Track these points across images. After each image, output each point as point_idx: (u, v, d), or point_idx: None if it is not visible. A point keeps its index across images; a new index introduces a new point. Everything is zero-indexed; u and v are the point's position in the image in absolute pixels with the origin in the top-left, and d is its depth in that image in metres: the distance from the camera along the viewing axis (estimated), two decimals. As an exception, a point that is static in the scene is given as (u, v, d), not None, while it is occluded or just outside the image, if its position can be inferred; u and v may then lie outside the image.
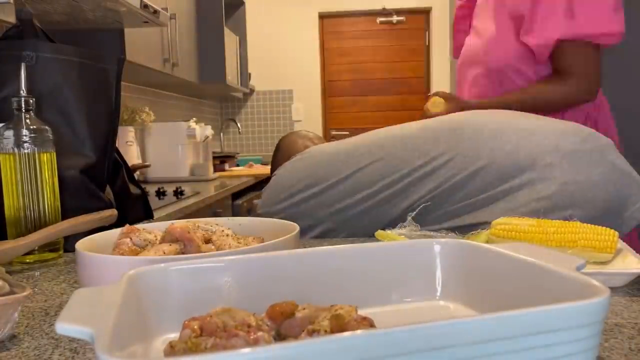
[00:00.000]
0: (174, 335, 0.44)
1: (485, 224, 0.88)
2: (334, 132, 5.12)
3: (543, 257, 0.48)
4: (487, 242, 0.73)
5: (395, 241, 0.57)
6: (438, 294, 0.55)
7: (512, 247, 0.52)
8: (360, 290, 0.52)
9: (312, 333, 0.41)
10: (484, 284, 0.51)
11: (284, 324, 0.44)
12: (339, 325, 0.42)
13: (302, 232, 1.01)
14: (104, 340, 0.33)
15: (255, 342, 0.39)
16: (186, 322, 0.42)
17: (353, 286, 0.52)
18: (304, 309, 0.45)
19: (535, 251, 0.50)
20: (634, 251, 0.70)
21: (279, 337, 0.43)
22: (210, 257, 0.52)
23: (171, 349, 0.39)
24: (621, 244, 0.73)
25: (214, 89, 4.04)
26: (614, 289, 0.63)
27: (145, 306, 0.46)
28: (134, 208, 1.24)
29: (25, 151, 0.89)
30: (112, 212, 0.94)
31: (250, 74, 4.64)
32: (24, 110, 0.89)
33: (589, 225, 0.72)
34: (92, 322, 0.35)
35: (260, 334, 0.40)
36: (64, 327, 0.35)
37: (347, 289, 0.52)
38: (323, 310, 0.45)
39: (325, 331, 0.41)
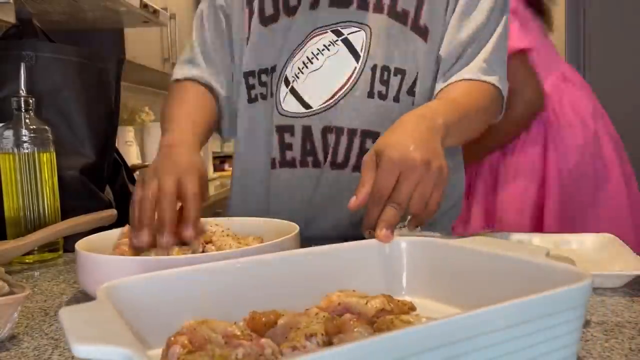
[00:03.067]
0: (156, 352, 0.41)
1: None
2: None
3: (509, 249, 0.50)
4: None
5: (361, 240, 0.58)
6: (404, 290, 0.56)
7: (473, 241, 0.54)
8: (327, 290, 0.51)
9: (309, 337, 0.40)
10: (454, 279, 0.52)
11: (267, 333, 0.43)
12: (336, 327, 0.42)
13: None
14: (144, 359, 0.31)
15: (262, 349, 0.38)
16: (172, 339, 0.39)
17: (319, 287, 0.51)
18: (283, 315, 0.44)
19: (498, 244, 0.52)
20: (633, 252, 0.70)
21: None
22: (183, 262, 0.51)
23: None
24: (621, 245, 0.73)
25: (214, 89, 4.03)
26: (614, 289, 0.63)
27: (127, 320, 0.43)
28: (133, 208, 1.23)
29: (25, 151, 0.88)
30: (112, 212, 0.94)
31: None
32: (23, 110, 0.89)
33: None
34: (116, 341, 0.32)
35: (263, 340, 0.39)
36: (87, 349, 0.32)
37: (316, 290, 0.51)
38: (300, 315, 0.44)
39: (322, 334, 0.41)
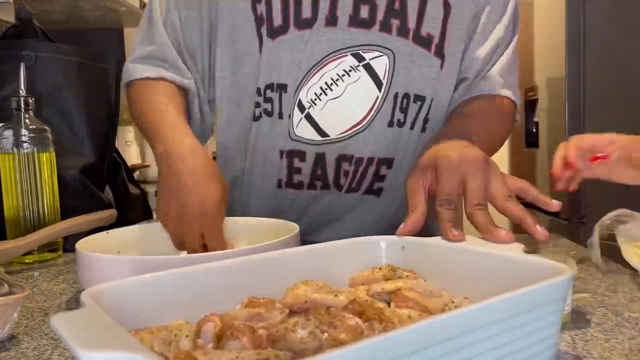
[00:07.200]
0: None
1: None
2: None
3: (486, 245, 0.51)
4: None
5: (343, 240, 0.57)
6: None
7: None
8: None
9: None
10: (432, 276, 0.52)
11: None
12: (331, 315, 0.42)
13: None
14: None
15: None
16: (204, 318, 0.41)
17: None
18: (278, 305, 0.45)
19: (476, 241, 0.53)
20: None
21: None
22: (182, 261, 0.51)
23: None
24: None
25: (214, 89, 4.02)
26: (614, 290, 0.63)
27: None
28: (133, 208, 1.24)
29: (25, 151, 0.88)
30: (112, 212, 0.94)
31: (250, 74, 4.62)
32: (23, 110, 0.89)
33: None
34: (127, 347, 0.30)
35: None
36: (98, 356, 0.29)
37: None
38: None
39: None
